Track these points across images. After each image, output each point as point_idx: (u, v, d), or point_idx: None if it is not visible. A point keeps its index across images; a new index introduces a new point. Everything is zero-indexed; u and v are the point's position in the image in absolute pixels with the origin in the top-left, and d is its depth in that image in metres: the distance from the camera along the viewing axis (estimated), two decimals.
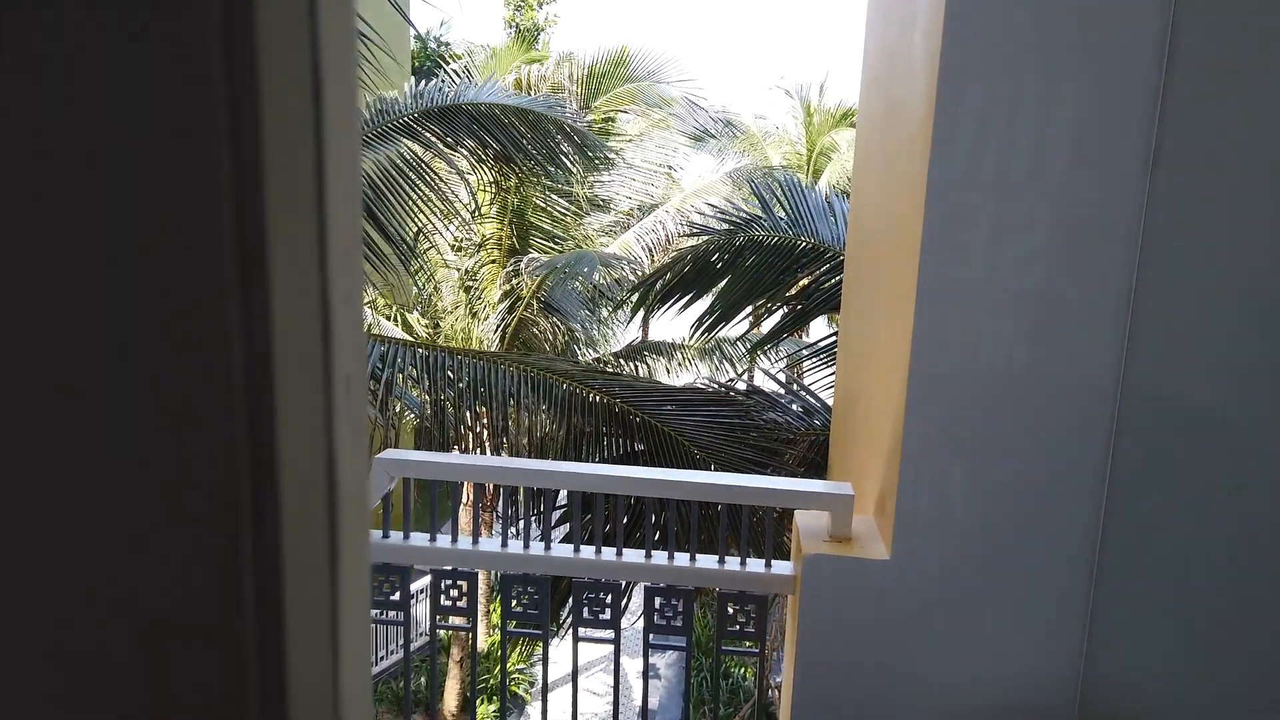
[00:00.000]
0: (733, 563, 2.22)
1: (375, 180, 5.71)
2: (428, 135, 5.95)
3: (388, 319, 9.34)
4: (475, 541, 2.39)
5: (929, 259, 1.95)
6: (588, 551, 2.21)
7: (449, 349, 3.82)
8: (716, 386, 4.02)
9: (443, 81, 6.36)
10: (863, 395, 2.69)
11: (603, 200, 9.32)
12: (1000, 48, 1.87)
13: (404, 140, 5.86)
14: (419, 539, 2.43)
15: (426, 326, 9.01)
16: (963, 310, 1.96)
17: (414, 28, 11.98)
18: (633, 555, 2.18)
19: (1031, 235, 1.87)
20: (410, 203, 5.78)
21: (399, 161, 5.82)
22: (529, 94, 8.03)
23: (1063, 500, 1.91)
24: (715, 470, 3.23)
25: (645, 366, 9.64)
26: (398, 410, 3.76)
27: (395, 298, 9.31)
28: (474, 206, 7.19)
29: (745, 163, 14.32)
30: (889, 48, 2.67)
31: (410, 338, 8.88)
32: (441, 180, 6.43)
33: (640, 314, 5.33)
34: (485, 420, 3.33)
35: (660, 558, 2.18)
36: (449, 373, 3.70)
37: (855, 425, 2.85)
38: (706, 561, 2.19)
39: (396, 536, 2.46)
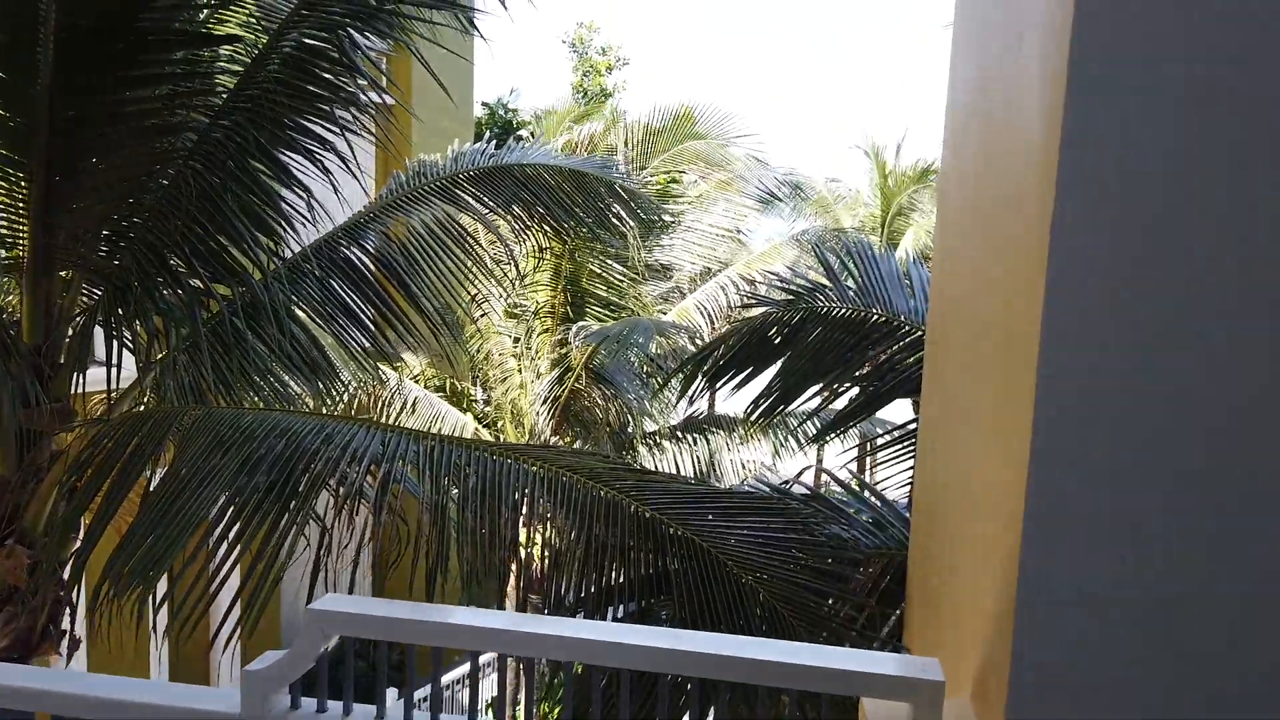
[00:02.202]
0: None
1: (408, 246, 5.31)
2: (466, 198, 5.53)
3: (439, 390, 8.93)
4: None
5: (1052, 353, 1.35)
6: None
7: (460, 441, 3.29)
8: (768, 491, 3.40)
9: (490, 145, 5.96)
10: (954, 514, 2.05)
11: (662, 266, 8.85)
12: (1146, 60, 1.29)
13: (441, 204, 5.45)
14: (363, 714, 1.87)
15: (469, 400, 8.56)
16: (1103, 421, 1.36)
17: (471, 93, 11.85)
18: None
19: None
20: (447, 270, 5.35)
21: (435, 227, 5.41)
22: (581, 155, 7.63)
23: None
24: (762, 614, 2.60)
25: (707, 443, 9.02)
26: (399, 508, 3.23)
27: (446, 368, 8.91)
28: (519, 272, 6.78)
29: (815, 224, 13.75)
30: (985, 79, 2.09)
31: (458, 413, 8.45)
32: (483, 246, 6.01)
33: (698, 390, 4.75)
34: (485, 530, 2.77)
35: None
36: (464, 467, 3.16)
37: (942, 552, 2.20)
38: None
39: (336, 709, 1.90)
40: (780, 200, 8.63)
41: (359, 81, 4.45)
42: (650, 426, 9.34)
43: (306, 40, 4.25)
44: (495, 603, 2.97)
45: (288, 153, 4.37)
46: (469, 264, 5.60)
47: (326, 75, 4.40)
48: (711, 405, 13.59)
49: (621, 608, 2.86)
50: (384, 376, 7.77)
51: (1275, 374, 1.28)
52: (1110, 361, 1.31)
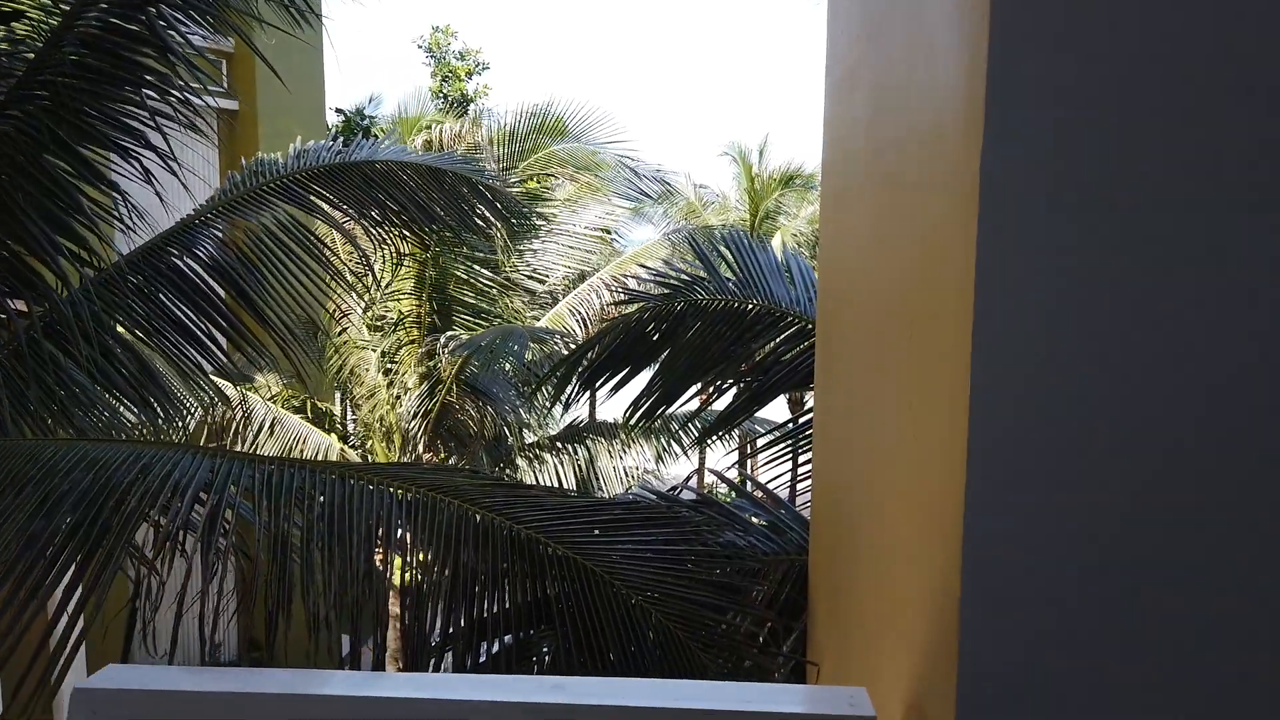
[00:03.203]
0: None
1: (247, 252, 4.80)
2: (311, 198, 5.06)
3: (297, 411, 8.31)
4: None
5: (985, 335, 1.11)
6: None
7: (305, 463, 2.88)
8: (655, 499, 3.12)
9: (339, 142, 5.50)
10: (868, 517, 1.81)
11: (533, 271, 8.50)
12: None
13: (283, 205, 4.96)
14: None
15: (331, 420, 8.00)
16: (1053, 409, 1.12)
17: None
18: None
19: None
20: (294, 278, 4.86)
21: (278, 230, 4.91)
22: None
23: None
24: (655, 637, 2.32)
25: (588, 451, 8.71)
26: (237, 546, 2.80)
27: (305, 387, 8.31)
28: (376, 280, 6.31)
29: (687, 227, 13.68)
30: (875, 26, 1.86)
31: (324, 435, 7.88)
32: (335, 252, 5.54)
33: (572, 394, 4.43)
34: (336, 564, 2.39)
35: None
36: (309, 493, 2.76)
37: (854, 558, 1.96)
38: None
39: None
40: (651, 199, 8.40)
41: (183, 77, 3.98)
42: (530, 438, 8.97)
43: (112, 19, 3.74)
44: (352, 650, 2.58)
45: (95, 149, 3.84)
46: (319, 272, 5.13)
47: (138, 59, 3.90)
48: (592, 411, 13.32)
49: (497, 642, 2.52)
50: (238, 399, 7.15)
51: (1241, 357, 1.07)
52: (1057, 338, 1.07)
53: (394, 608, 6.53)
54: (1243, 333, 1.02)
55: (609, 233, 12.27)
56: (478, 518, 2.66)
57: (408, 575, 2.60)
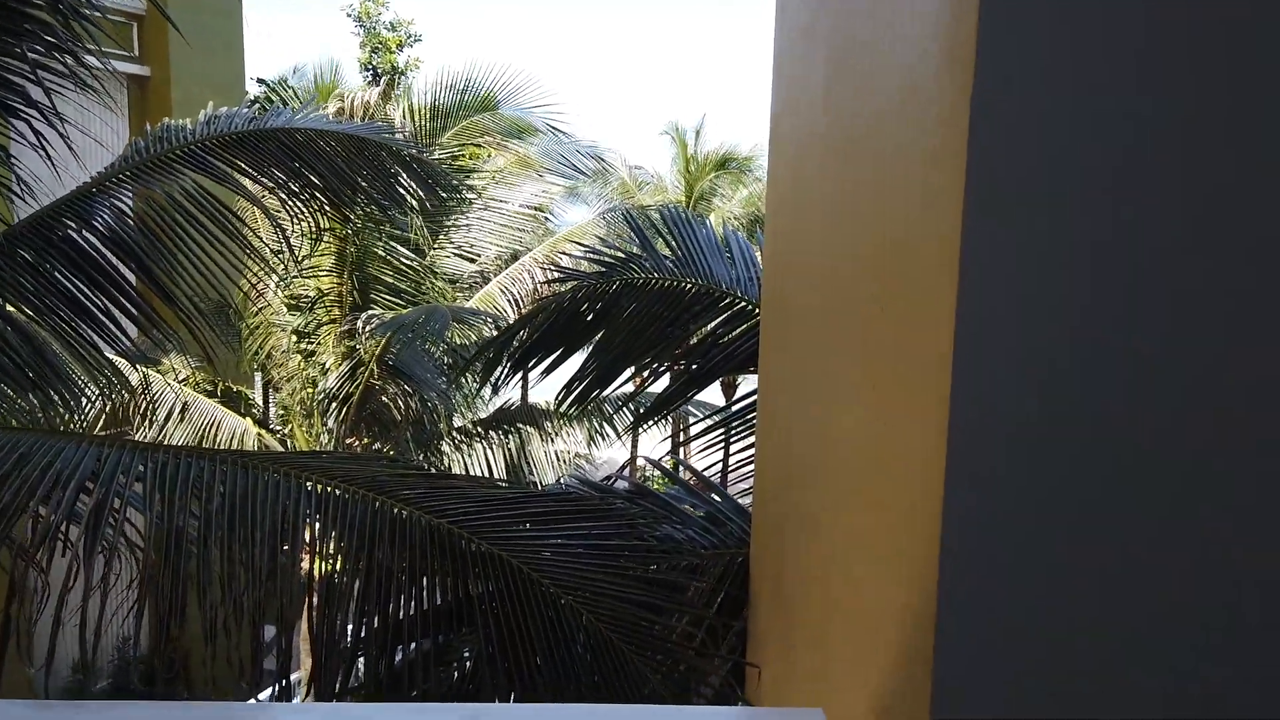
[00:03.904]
0: None
1: (150, 224, 4.46)
2: (222, 166, 4.73)
3: (210, 395, 7.91)
4: None
5: (969, 317, 0.97)
6: None
7: (205, 452, 2.63)
8: (589, 490, 2.95)
9: (254, 109, 5.17)
10: (821, 515, 1.67)
11: (460, 249, 8.20)
12: None
13: (190, 173, 4.62)
14: None
15: (248, 404, 7.62)
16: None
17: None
18: None
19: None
20: (203, 252, 4.53)
21: (185, 201, 4.58)
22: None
23: None
24: (587, 640, 2.15)
25: (519, 437, 8.49)
26: (130, 546, 2.56)
27: (220, 369, 7.91)
28: (293, 255, 5.98)
29: (621, 205, 13.48)
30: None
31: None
32: (249, 225, 5.21)
33: (502, 377, 4.22)
34: (242, 559, 2.17)
35: None
36: (209, 485, 2.52)
37: (803, 555, 1.82)
38: None
39: None
40: (584, 174, 8.15)
41: (77, 32, 3.64)
42: (459, 422, 8.70)
43: None
44: (255, 658, 2.36)
45: None
46: (231, 246, 4.80)
47: (25, 9, 3.55)
48: (525, 395, 13.08)
49: (415, 646, 2.32)
50: (140, 383, 6.74)
51: (1224, 352, 0.94)
52: (1046, 320, 0.94)
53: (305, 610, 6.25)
54: (1227, 324, 0.92)
55: (542, 211, 12.00)
56: (395, 511, 2.46)
57: (318, 574, 2.38)
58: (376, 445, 8.09)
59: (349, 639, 2.32)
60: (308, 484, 2.46)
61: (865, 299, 1.33)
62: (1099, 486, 0.96)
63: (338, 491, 2.46)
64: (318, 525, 2.45)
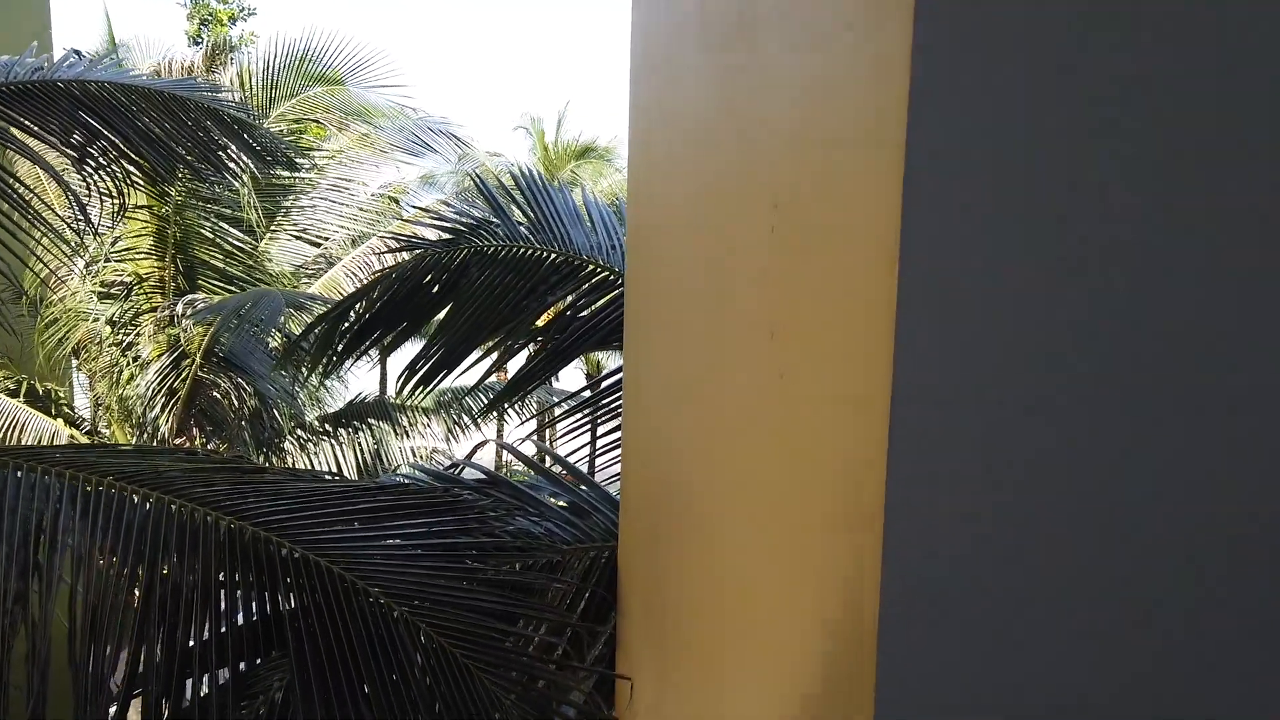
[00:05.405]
0: None
1: None
2: (1, 124, 4.04)
3: (12, 394, 7.00)
4: None
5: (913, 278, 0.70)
6: None
7: None
8: (431, 482, 2.55)
9: (43, 60, 4.46)
10: (707, 506, 1.35)
11: (302, 230, 7.54)
12: None
13: None
14: None
15: (57, 403, 6.78)
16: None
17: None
18: None
19: None
20: None
21: None
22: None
23: None
24: (425, 660, 1.78)
25: (371, 432, 7.91)
26: None
27: (18, 365, 7.02)
28: (93, 232, 5.27)
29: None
30: None
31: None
32: (36, 194, 4.51)
33: (333, 360, 3.73)
34: None
35: None
36: None
37: (679, 551, 1.50)
38: None
39: None
40: (436, 152, 7.63)
41: None
42: (309, 417, 8.03)
43: None
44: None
45: None
46: (17, 218, 4.12)
47: None
48: (383, 385, 12.38)
49: (208, 678, 1.88)
50: None
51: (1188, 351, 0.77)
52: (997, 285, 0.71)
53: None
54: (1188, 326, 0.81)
55: (396, 201, 11.35)
56: (186, 513, 2.00)
57: (79, 595, 1.90)
58: (210, 446, 7.37)
59: (122, 674, 1.85)
60: (69, 483, 1.97)
61: (757, 264, 1.04)
62: (1057, 481, 0.77)
63: (110, 491, 1.99)
64: (83, 535, 1.97)
